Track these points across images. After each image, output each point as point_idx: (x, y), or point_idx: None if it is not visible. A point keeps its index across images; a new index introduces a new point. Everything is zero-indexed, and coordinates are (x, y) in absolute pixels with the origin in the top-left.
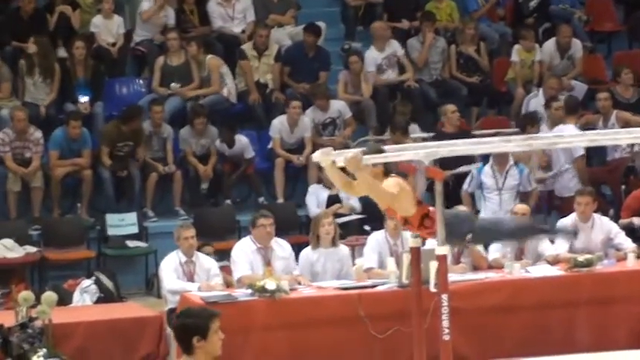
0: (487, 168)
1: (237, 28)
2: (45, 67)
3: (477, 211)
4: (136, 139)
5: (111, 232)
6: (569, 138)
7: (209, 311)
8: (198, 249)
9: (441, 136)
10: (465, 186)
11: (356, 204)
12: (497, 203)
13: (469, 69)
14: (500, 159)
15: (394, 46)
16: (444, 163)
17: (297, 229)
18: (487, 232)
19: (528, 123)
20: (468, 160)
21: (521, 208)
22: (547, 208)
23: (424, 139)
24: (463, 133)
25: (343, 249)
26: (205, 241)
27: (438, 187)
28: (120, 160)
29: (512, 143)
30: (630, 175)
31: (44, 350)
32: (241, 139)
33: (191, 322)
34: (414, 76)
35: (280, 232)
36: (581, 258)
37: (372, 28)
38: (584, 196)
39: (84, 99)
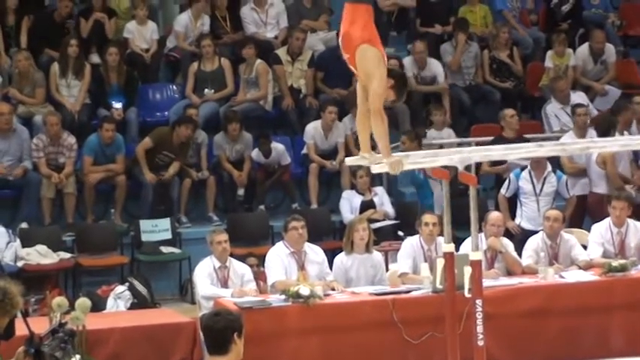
0: (525, 173)
1: (270, 34)
2: (78, 68)
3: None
4: (181, 155)
5: (144, 237)
6: (602, 143)
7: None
8: (243, 259)
9: (500, 141)
10: (503, 190)
11: (390, 210)
12: (534, 209)
13: (502, 74)
14: (538, 165)
15: (434, 69)
16: None
17: (331, 235)
18: None
19: (612, 126)
20: None
21: (553, 213)
22: None
23: (441, 146)
24: (521, 139)
25: (377, 255)
26: (238, 246)
27: (472, 192)
28: (158, 168)
29: (545, 148)
30: None
31: (78, 356)
32: (277, 147)
33: (233, 319)
34: (447, 84)
35: (314, 238)
36: (615, 263)
37: (414, 51)
38: (621, 201)
39: (117, 105)
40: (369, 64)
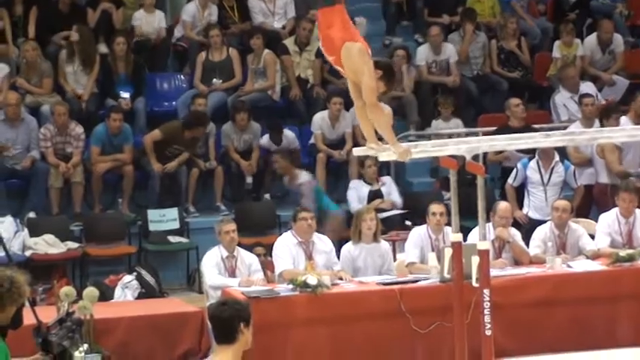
0: (532, 163)
1: (277, 24)
2: (85, 55)
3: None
4: (191, 148)
5: (152, 227)
6: (608, 133)
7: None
8: (250, 249)
9: (505, 130)
10: (510, 180)
11: (397, 199)
12: (542, 198)
13: (510, 64)
14: (546, 155)
15: (449, 52)
16: None
17: None
18: None
19: (613, 110)
20: None
21: (562, 203)
22: None
23: (450, 136)
24: (528, 128)
25: (384, 244)
26: (245, 235)
27: (480, 182)
28: (166, 159)
29: (552, 138)
30: None
31: (85, 345)
32: (287, 134)
33: (240, 308)
34: (458, 77)
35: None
36: (622, 253)
37: (429, 35)
38: (629, 193)
39: (125, 95)
40: (355, 60)
